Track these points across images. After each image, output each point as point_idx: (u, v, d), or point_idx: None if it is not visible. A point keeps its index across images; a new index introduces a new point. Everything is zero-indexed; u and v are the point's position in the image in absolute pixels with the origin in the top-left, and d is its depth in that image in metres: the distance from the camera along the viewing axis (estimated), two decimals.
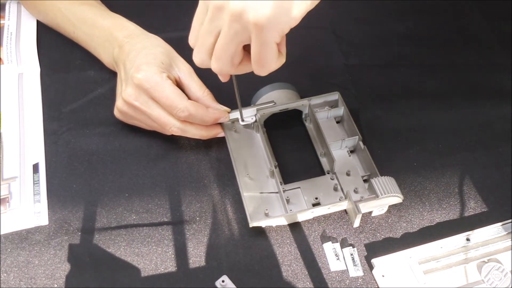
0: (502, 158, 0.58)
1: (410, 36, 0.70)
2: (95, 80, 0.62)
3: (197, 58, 0.43)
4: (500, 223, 0.51)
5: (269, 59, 0.39)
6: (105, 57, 0.59)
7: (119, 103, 0.53)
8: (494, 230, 0.50)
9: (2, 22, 0.67)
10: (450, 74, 0.66)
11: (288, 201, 0.50)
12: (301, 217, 0.50)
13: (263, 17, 0.36)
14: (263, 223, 0.48)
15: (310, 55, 0.67)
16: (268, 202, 0.50)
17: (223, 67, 0.41)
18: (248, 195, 0.50)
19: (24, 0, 0.66)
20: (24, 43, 0.65)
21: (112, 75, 0.62)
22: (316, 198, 0.50)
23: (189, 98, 0.52)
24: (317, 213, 0.50)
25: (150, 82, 0.50)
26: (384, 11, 0.73)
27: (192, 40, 0.43)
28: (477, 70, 0.66)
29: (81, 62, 0.63)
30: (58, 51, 0.64)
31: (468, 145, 0.59)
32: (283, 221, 0.50)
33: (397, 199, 0.49)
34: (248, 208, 0.49)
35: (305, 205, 0.50)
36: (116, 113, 0.55)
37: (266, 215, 0.49)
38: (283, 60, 0.41)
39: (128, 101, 0.51)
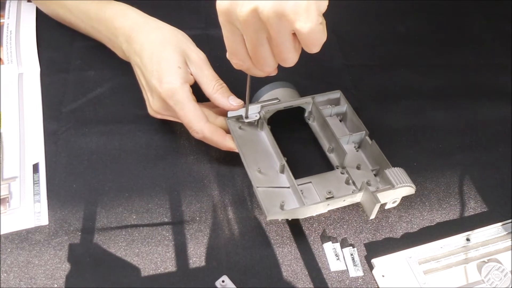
0: (502, 158, 0.58)
1: (410, 36, 0.70)
2: (95, 80, 0.62)
3: (268, 69, 0.43)
4: (500, 223, 0.51)
5: (320, 36, 0.39)
6: (117, 51, 0.59)
7: (150, 111, 0.54)
8: (494, 230, 0.50)
9: (2, 20, 0.67)
10: (450, 74, 0.66)
11: (302, 194, 0.49)
12: (317, 210, 0.49)
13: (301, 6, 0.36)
14: (280, 216, 0.48)
15: (310, 55, 0.66)
16: (281, 196, 0.50)
17: (293, 59, 0.41)
18: (262, 189, 0.49)
19: (36, 0, 0.66)
20: (24, 43, 0.65)
21: (112, 75, 0.62)
22: (329, 192, 0.50)
23: (203, 92, 0.53)
24: (332, 206, 0.50)
25: (173, 98, 0.50)
26: (384, 11, 0.73)
27: (239, 61, 0.43)
28: (477, 70, 0.67)
29: (81, 62, 0.63)
30: (58, 51, 0.64)
31: (468, 145, 0.59)
32: (298, 215, 0.49)
33: (410, 189, 0.49)
34: (264, 201, 0.48)
35: (319, 199, 0.50)
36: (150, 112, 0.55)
37: (282, 207, 0.48)
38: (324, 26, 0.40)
39: (157, 112, 0.53)
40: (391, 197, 0.50)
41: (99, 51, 0.63)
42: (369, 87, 0.64)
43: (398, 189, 0.48)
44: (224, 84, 0.53)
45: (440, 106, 0.62)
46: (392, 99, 0.63)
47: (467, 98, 0.63)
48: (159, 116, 0.54)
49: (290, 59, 0.41)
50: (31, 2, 0.69)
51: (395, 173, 0.49)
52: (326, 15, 0.37)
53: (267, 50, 0.41)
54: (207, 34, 0.67)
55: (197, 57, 0.53)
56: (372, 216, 0.48)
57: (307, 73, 0.65)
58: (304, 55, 0.66)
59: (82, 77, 0.62)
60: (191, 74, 0.53)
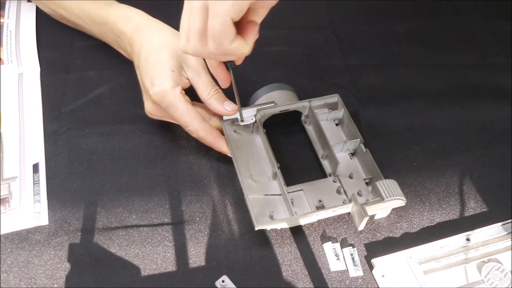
0: (502, 158, 0.58)
1: (410, 36, 0.70)
2: (95, 80, 0.62)
3: (179, 44, 0.44)
4: (500, 223, 0.51)
5: (220, 33, 0.39)
6: (122, 52, 0.59)
7: (146, 112, 0.55)
8: (494, 230, 0.50)
9: (2, 20, 0.67)
10: (450, 74, 0.66)
11: (292, 203, 0.49)
12: (306, 220, 0.50)
13: None
14: (268, 226, 0.48)
15: (310, 55, 0.67)
16: (272, 205, 0.50)
17: (196, 46, 0.42)
18: (252, 197, 0.49)
19: (39, 1, 0.66)
20: (24, 43, 0.65)
21: (112, 75, 0.62)
22: (320, 201, 0.50)
23: (199, 97, 0.53)
24: (322, 216, 0.50)
25: (164, 102, 0.51)
26: (384, 11, 0.73)
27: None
28: (477, 70, 0.67)
29: (81, 62, 0.63)
30: (58, 51, 0.64)
31: (468, 145, 0.59)
32: (287, 224, 0.49)
33: (400, 202, 0.49)
34: (253, 210, 0.48)
35: (309, 207, 0.50)
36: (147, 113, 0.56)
37: (271, 217, 0.48)
38: (245, 49, 0.41)
39: (151, 113, 0.54)
40: (380, 209, 0.50)
41: (99, 51, 0.63)
42: (369, 87, 0.64)
43: (388, 201, 0.48)
44: (220, 90, 0.53)
45: (440, 106, 0.62)
46: (392, 99, 0.63)
47: (467, 98, 0.63)
48: (155, 117, 0.55)
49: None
50: (31, 2, 0.69)
51: (386, 185, 0.48)
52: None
53: (185, 25, 0.41)
54: None
55: (195, 62, 0.53)
56: (361, 228, 0.49)
57: (307, 73, 0.65)
58: (304, 54, 0.67)
59: (82, 77, 0.62)
60: (187, 79, 0.53)
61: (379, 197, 0.48)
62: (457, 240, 0.49)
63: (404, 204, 0.50)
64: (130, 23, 0.56)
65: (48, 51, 0.65)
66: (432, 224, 0.52)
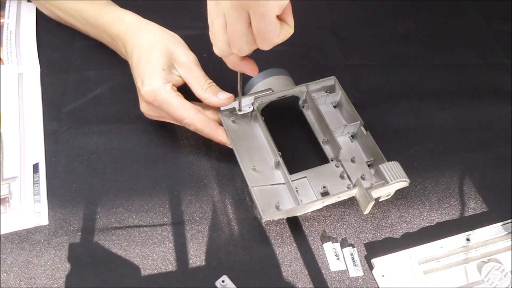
0: (502, 158, 0.58)
1: (410, 36, 0.70)
2: (95, 80, 0.62)
3: (216, 49, 0.43)
4: (500, 223, 0.51)
5: (270, 32, 0.39)
6: (119, 52, 0.60)
7: (141, 111, 0.55)
8: (494, 230, 0.50)
9: (2, 20, 0.67)
10: (450, 74, 0.66)
11: (296, 191, 0.49)
12: (312, 208, 0.49)
13: None
14: (275, 216, 0.48)
15: (310, 55, 0.67)
16: (276, 194, 0.50)
17: (242, 48, 0.41)
18: (257, 189, 0.49)
19: (37, 1, 0.66)
20: (24, 43, 0.65)
21: (112, 75, 0.62)
22: (324, 187, 0.50)
23: (193, 93, 0.53)
24: (327, 203, 0.50)
25: (156, 100, 0.51)
26: (384, 11, 0.73)
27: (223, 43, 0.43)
28: (477, 70, 0.67)
29: (81, 62, 0.63)
30: (58, 51, 0.64)
31: (468, 145, 0.59)
32: (294, 213, 0.49)
33: (404, 183, 0.49)
34: (259, 202, 0.48)
35: (314, 194, 0.50)
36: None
37: (277, 207, 0.48)
38: (290, 31, 0.41)
39: (147, 113, 0.54)
40: (385, 192, 0.50)
41: (99, 51, 0.63)
42: (369, 87, 0.64)
43: (392, 184, 0.48)
44: (213, 83, 0.53)
45: (440, 106, 0.62)
46: (392, 99, 0.63)
47: (467, 98, 0.63)
48: (151, 117, 0.55)
49: (239, 42, 0.41)
50: (31, 2, 0.69)
51: (390, 168, 0.48)
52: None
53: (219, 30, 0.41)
54: (206, 34, 0.67)
55: (187, 59, 0.53)
56: (366, 212, 0.49)
57: (307, 73, 0.65)
58: (304, 54, 0.67)
59: (82, 77, 0.62)
60: (180, 76, 0.53)
61: (383, 180, 0.48)
62: (457, 240, 0.49)
63: (407, 185, 0.50)
64: (122, 26, 0.56)
65: (48, 51, 0.64)
66: (432, 224, 0.52)
